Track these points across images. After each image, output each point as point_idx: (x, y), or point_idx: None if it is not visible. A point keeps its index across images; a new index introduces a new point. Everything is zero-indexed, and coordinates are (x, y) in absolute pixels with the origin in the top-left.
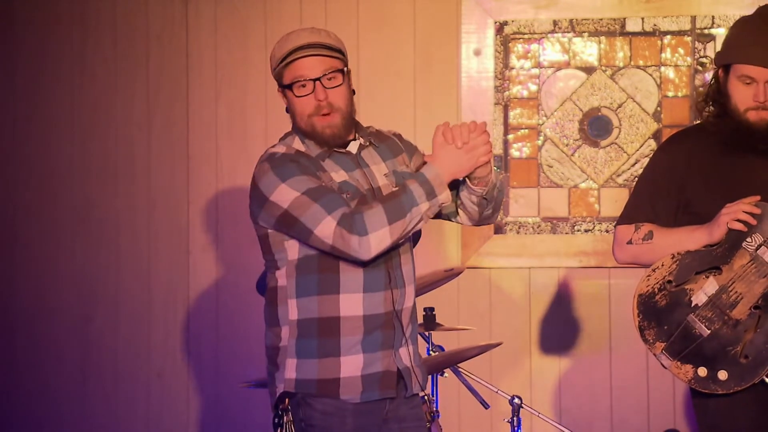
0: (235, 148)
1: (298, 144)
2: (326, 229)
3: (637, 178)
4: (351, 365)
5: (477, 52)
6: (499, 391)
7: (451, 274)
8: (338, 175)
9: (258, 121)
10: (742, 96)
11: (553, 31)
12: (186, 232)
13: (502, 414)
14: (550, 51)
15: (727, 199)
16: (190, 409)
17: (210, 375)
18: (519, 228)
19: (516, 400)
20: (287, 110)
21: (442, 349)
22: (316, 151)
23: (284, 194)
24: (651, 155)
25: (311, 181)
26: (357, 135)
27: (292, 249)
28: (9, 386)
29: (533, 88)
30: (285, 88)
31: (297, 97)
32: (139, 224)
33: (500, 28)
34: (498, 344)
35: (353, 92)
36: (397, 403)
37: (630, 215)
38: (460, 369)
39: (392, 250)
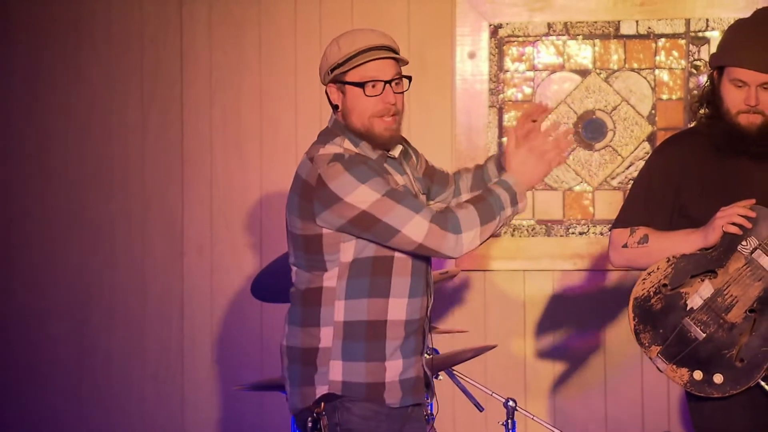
0: (229, 150)
1: (349, 146)
2: (418, 227)
3: (632, 182)
4: (393, 370)
5: (471, 55)
6: (493, 394)
7: (446, 277)
8: (398, 179)
9: (252, 124)
10: (733, 99)
11: (547, 34)
12: (180, 234)
13: (497, 417)
14: (545, 54)
15: (722, 202)
16: (184, 411)
17: (204, 377)
18: (514, 231)
19: (511, 403)
20: (335, 107)
21: (437, 352)
22: (372, 155)
23: (364, 196)
24: (646, 159)
25: (387, 183)
26: None
27: (347, 251)
28: (4, 388)
29: (528, 90)
30: (349, 84)
31: (366, 96)
32: (133, 226)
33: (495, 30)
34: (493, 347)
35: None
36: (424, 408)
37: (625, 219)
38: (454, 371)
39: (428, 258)
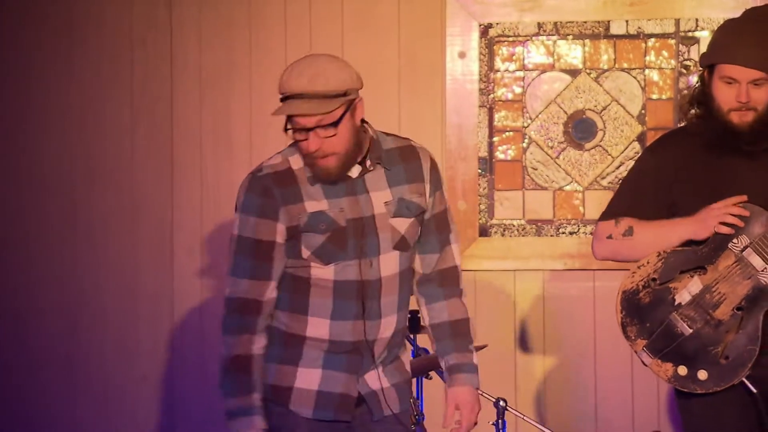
0: (219, 151)
1: (296, 161)
2: (228, 287)
3: (621, 179)
4: (307, 377)
5: (461, 55)
6: (483, 394)
7: None
8: (316, 205)
9: (242, 125)
10: (724, 96)
11: (537, 34)
12: (170, 236)
13: (487, 416)
14: (535, 53)
15: (713, 201)
16: (175, 412)
17: (195, 377)
18: (504, 230)
19: (501, 403)
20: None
21: (427, 352)
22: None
23: (234, 224)
24: (637, 156)
25: (255, 230)
26: (367, 158)
27: None
28: None
29: (518, 90)
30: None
31: (296, 140)
32: (123, 228)
33: (485, 30)
34: (483, 347)
35: (362, 121)
36: (367, 426)
37: (611, 211)
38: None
39: (372, 282)
